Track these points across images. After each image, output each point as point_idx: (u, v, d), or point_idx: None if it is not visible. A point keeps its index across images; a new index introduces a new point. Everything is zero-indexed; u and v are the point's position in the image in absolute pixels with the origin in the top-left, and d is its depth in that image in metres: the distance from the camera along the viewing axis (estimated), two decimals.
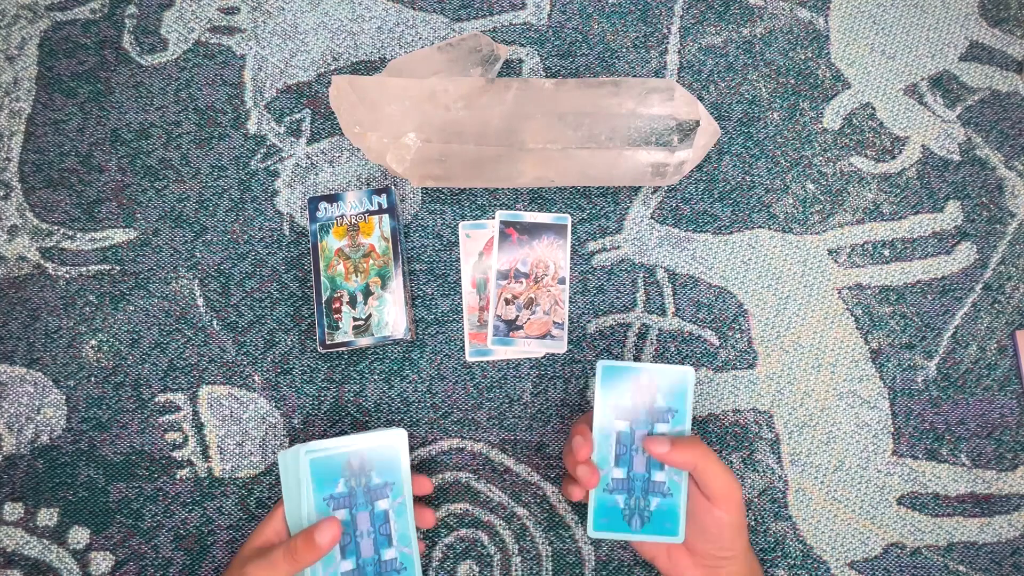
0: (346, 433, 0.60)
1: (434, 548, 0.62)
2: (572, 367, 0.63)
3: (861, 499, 0.62)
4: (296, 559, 0.51)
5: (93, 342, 0.64)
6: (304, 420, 0.63)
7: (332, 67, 0.68)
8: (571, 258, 0.64)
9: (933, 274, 0.64)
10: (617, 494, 0.52)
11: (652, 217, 0.65)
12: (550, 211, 0.65)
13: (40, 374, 0.64)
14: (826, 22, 0.68)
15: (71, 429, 0.63)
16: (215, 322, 0.64)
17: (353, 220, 0.63)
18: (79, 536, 0.62)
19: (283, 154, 0.66)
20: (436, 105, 0.60)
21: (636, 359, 0.63)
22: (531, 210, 0.65)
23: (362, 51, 0.68)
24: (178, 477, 0.63)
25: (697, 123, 0.60)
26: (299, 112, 0.67)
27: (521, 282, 0.64)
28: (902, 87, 0.67)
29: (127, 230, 0.66)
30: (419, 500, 0.61)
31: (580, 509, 0.62)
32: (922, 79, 0.67)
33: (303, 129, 0.67)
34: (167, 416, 0.63)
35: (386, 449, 0.54)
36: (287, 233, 0.66)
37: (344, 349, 0.62)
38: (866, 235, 0.65)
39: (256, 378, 0.64)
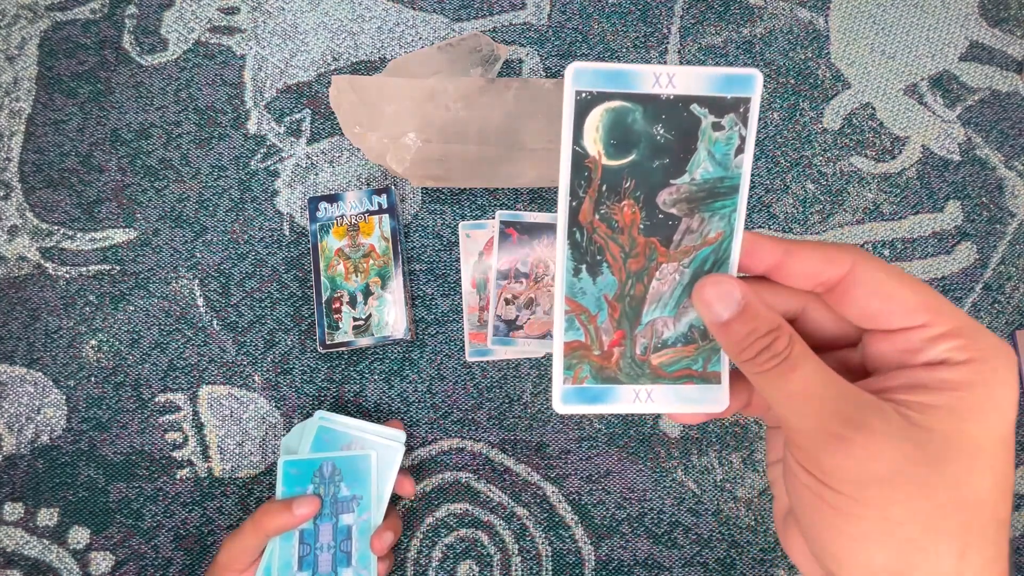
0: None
1: (434, 548, 0.62)
2: None
3: None
4: (264, 522, 0.51)
5: (93, 342, 0.64)
6: (304, 420, 0.63)
7: (332, 67, 0.68)
8: None
9: (933, 274, 0.64)
10: None
11: None
12: (550, 211, 0.65)
13: (40, 374, 0.64)
14: (826, 22, 0.68)
15: (71, 429, 0.63)
16: (215, 322, 0.64)
17: (353, 220, 0.63)
18: (79, 536, 0.62)
19: (283, 154, 0.66)
20: (436, 105, 0.60)
21: None
22: (531, 210, 0.65)
23: (362, 51, 0.68)
24: (178, 477, 0.63)
25: None
26: (299, 112, 0.67)
27: (521, 282, 0.64)
28: (902, 87, 0.67)
29: (127, 230, 0.66)
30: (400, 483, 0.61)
31: (580, 509, 0.62)
32: (922, 79, 0.67)
33: (303, 129, 0.67)
34: (167, 416, 0.63)
35: (360, 460, 0.54)
36: (287, 233, 0.66)
37: (344, 349, 0.62)
38: (866, 235, 0.65)
39: (256, 378, 0.64)
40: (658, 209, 0.29)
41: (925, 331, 0.26)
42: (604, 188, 0.29)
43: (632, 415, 0.62)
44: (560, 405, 0.30)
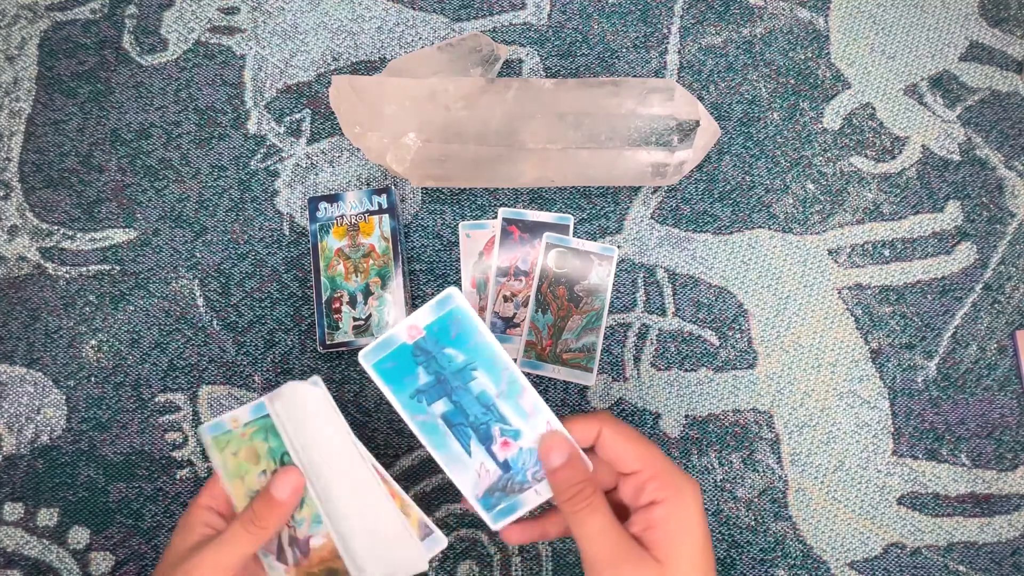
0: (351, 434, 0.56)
1: None
2: None
3: (861, 499, 0.62)
4: (259, 525, 0.44)
5: (93, 342, 0.64)
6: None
7: (332, 67, 0.68)
8: None
9: (933, 274, 0.64)
10: None
11: (652, 217, 0.65)
12: (550, 211, 0.65)
13: (40, 374, 0.64)
14: (826, 22, 0.68)
15: (71, 429, 0.63)
16: (215, 322, 0.64)
17: (353, 220, 0.63)
18: (79, 536, 0.62)
19: (283, 154, 0.66)
20: (436, 105, 0.60)
21: (636, 359, 0.63)
22: (531, 210, 0.65)
23: (362, 51, 0.68)
24: (178, 477, 0.63)
25: (697, 123, 0.60)
26: (299, 112, 0.67)
27: (520, 280, 0.64)
28: (902, 87, 0.67)
29: (127, 230, 0.66)
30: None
31: None
32: (922, 79, 0.67)
33: (303, 129, 0.67)
34: (167, 416, 0.63)
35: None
36: (287, 233, 0.66)
37: (344, 349, 0.62)
38: (866, 235, 0.65)
39: (256, 378, 0.64)
40: (575, 292, 0.62)
41: (640, 475, 0.42)
42: (553, 280, 0.62)
43: (632, 416, 0.62)
44: (520, 366, 0.57)
